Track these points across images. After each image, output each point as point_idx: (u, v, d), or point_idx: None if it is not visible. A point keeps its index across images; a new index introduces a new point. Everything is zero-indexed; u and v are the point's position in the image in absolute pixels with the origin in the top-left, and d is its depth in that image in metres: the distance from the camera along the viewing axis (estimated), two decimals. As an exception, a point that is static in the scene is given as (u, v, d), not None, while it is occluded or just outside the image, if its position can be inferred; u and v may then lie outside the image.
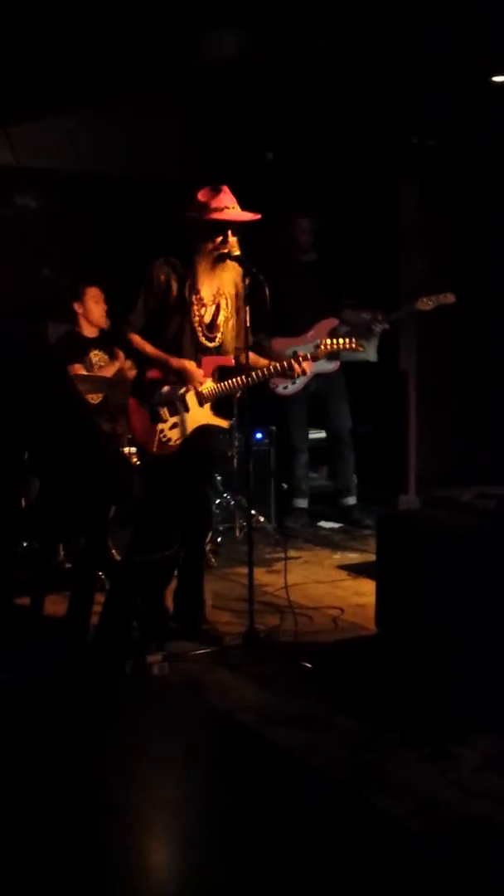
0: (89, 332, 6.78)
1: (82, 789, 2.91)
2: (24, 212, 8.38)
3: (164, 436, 4.97)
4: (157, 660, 4.61)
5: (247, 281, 4.92)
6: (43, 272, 7.96)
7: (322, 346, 5.56)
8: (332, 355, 7.38)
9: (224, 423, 5.23)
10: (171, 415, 4.99)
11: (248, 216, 4.86)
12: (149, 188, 8.24)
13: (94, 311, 6.73)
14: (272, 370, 5.05)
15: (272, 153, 8.52)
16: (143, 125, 8.27)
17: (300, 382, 7.33)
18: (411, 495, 7.90)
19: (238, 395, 5.41)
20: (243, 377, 5.00)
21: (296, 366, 5.05)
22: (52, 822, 2.75)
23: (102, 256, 7.96)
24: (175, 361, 4.95)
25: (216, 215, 4.80)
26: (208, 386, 5.04)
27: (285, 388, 7.36)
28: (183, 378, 4.97)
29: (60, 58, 6.52)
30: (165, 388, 4.99)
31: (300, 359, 5.07)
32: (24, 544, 5.46)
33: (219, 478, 6.93)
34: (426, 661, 4.53)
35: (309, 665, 4.73)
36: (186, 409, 5.01)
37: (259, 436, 7.47)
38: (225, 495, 7.15)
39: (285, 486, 7.63)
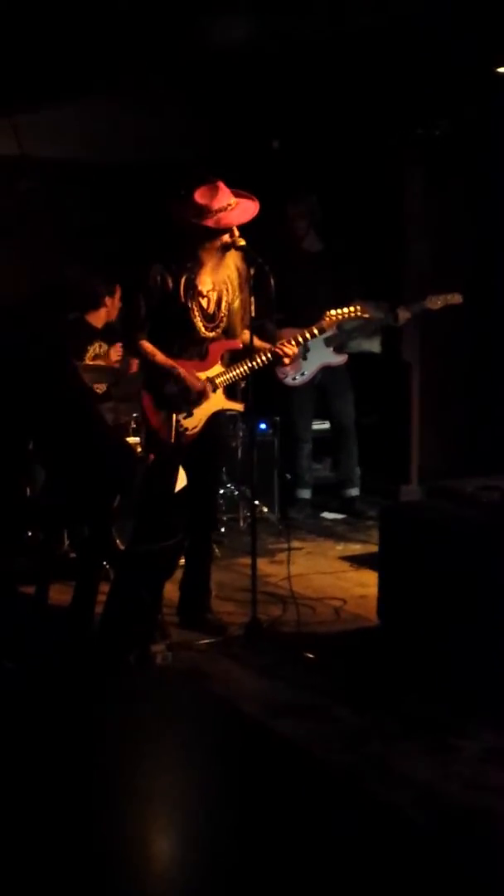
0: (98, 323, 6.78)
1: (85, 778, 2.93)
2: (28, 200, 8.36)
3: (181, 426, 5.00)
4: (161, 649, 4.62)
5: (252, 270, 4.93)
6: (49, 261, 7.95)
7: (327, 318, 5.58)
8: (339, 347, 7.40)
9: (239, 406, 5.29)
10: (185, 405, 5.02)
11: (249, 213, 4.87)
12: (151, 176, 8.23)
13: (116, 307, 6.75)
14: (272, 353, 5.09)
15: (278, 141, 8.51)
16: (149, 114, 8.26)
17: (308, 374, 7.35)
18: (414, 486, 7.91)
19: (243, 384, 5.44)
20: (250, 361, 5.06)
21: (284, 348, 5.09)
22: (54, 810, 2.76)
23: (109, 244, 7.96)
24: (182, 372, 4.97)
25: (222, 218, 4.81)
26: (217, 370, 5.07)
27: (294, 378, 7.38)
28: (187, 388, 5.00)
29: (65, 46, 6.51)
30: (174, 383, 5.01)
31: (290, 339, 5.15)
32: (29, 533, 5.48)
33: (222, 468, 6.94)
34: (428, 652, 4.54)
35: (311, 656, 4.75)
36: (198, 403, 5.04)
37: (263, 426, 7.48)
38: (229, 485, 7.16)
39: (289, 476, 7.63)
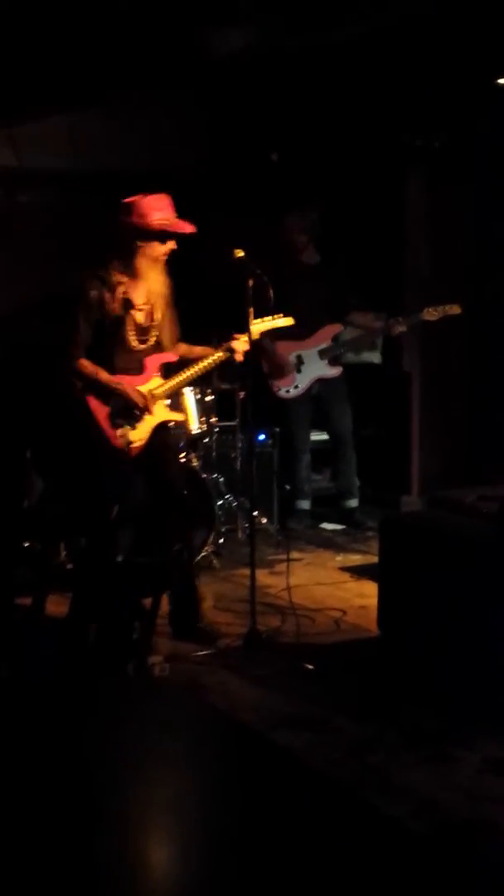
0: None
1: (82, 790, 2.90)
2: (28, 210, 8.37)
3: (126, 440, 5.06)
4: (159, 661, 4.61)
5: (251, 282, 4.96)
6: (48, 271, 7.95)
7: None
8: (334, 360, 7.39)
9: (181, 417, 5.42)
10: (129, 420, 5.10)
11: (189, 227, 4.95)
12: (150, 186, 8.24)
13: None
14: (216, 360, 5.18)
15: (276, 154, 8.51)
16: (147, 124, 8.27)
17: (302, 386, 7.34)
18: (414, 497, 7.89)
19: (242, 396, 5.47)
20: (188, 370, 5.17)
21: (234, 343, 5.16)
22: (51, 822, 2.74)
23: (107, 255, 7.96)
24: (123, 387, 5.06)
25: (163, 225, 4.93)
26: (156, 383, 5.17)
27: (287, 391, 7.36)
28: (131, 403, 5.07)
29: (62, 56, 6.52)
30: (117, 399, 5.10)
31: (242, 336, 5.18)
32: (26, 544, 5.47)
33: (221, 479, 6.93)
34: (428, 663, 4.52)
35: (310, 666, 4.73)
36: (141, 420, 5.13)
37: (262, 437, 7.46)
38: (228, 496, 7.14)
39: (288, 487, 7.61)
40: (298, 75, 7.26)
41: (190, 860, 2.67)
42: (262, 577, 5.88)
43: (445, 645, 4.47)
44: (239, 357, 5.22)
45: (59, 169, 8.20)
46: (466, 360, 8.01)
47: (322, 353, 7.31)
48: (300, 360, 7.33)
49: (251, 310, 5.06)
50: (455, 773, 3.69)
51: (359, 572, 6.34)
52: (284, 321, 5.42)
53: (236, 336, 5.19)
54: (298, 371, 7.32)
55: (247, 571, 5.12)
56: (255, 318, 5.11)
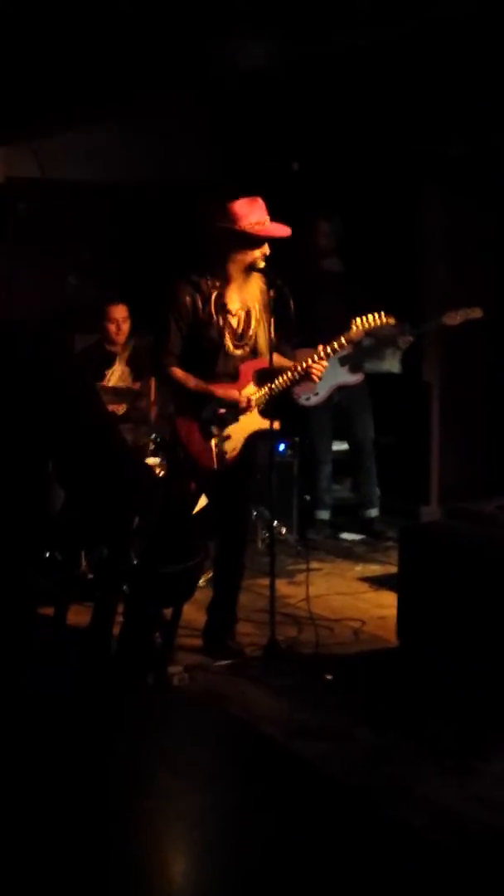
0: (112, 346, 6.83)
1: (102, 800, 2.92)
2: (48, 222, 8.42)
3: (220, 449, 5.00)
4: (178, 671, 4.63)
5: (271, 293, 4.95)
6: (68, 280, 7.99)
7: (354, 327, 5.56)
8: (355, 366, 7.39)
9: (275, 424, 5.25)
10: (222, 429, 5.02)
11: (284, 231, 4.88)
12: (173, 197, 8.29)
13: (110, 330, 6.77)
14: (302, 370, 5.08)
15: (297, 163, 8.54)
16: (168, 135, 8.32)
17: (323, 393, 7.33)
18: (434, 507, 7.89)
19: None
20: (284, 377, 5.07)
21: (311, 363, 5.09)
22: (72, 832, 2.76)
23: (127, 266, 8.02)
24: (219, 391, 4.98)
25: (257, 229, 4.83)
26: (251, 391, 5.06)
27: (308, 398, 7.36)
28: (226, 404, 5.01)
29: (84, 68, 6.57)
30: (212, 405, 5.01)
31: (317, 356, 5.13)
32: (47, 554, 5.48)
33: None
34: (447, 674, 4.52)
35: (330, 677, 4.74)
36: (236, 420, 5.04)
37: (282, 447, 7.48)
38: (247, 506, 7.15)
39: (308, 497, 7.62)
40: (317, 85, 7.30)
41: (210, 868, 2.69)
42: (282, 587, 5.89)
43: (464, 656, 4.46)
44: (316, 377, 5.18)
45: (83, 180, 8.26)
46: (486, 371, 8.00)
47: (342, 360, 7.30)
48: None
49: (273, 319, 5.03)
50: (473, 783, 3.69)
51: (378, 583, 6.35)
52: (386, 319, 5.48)
53: (316, 353, 5.16)
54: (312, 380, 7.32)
55: (266, 581, 5.13)
56: (276, 328, 5.06)
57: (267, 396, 5.08)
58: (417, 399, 8.05)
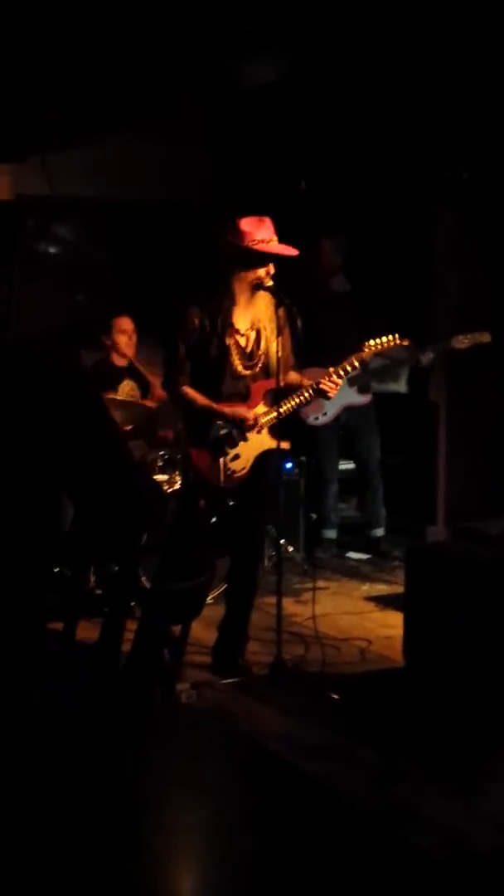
0: (120, 361, 6.86)
1: (110, 815, 2.93)
2: (57, 239, 8.46)
3: (229, 468, 5.00)
4: (186, 688, 4.63)
5: (280, 312, 4.96)
6: (76, 298, 8.03)
7: (367, 348, 5.57)
8: (363, 387, 7.40)
9: (285, 444, 5.24)
10: (231, 447, 5.03)
11: (290, 251, 4.89)
12: (181, 216, 8.32)
13: (121, 341, 6.80)
14: (316, 389, 5.09)
15: (305, 182, 8.57)
16: (176, 153, 8.36)
17: (331, 413, 7.34)
18: (440, 527, 7.88)
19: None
20: (296, 398, 5.07)
21: (325, 383, 5.09)
22: (79, 847, 2.76)
23: (135, 283, 8.05)
24: (227, 410, 5.00)
25: (262, 247, 4.84)
26: (261, 410, 5.07)
27: (316, 418, 7.37)
28: (237, 424, 5.02)
29: (93, 87, 6.61)
30: (219, 423, 5.02)
31: (332, 374, 5.13)
32: (56, 570, 5.49)
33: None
34: (454, 694, 4.52)
35: (336, 696, 4.73)
36: (244, 439, 5.05)
37: (289, 465, 7.49)
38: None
39: (314, 516, 7.63)
40: (327, 104, 7.33)
41: (217, 884, 2.69)
42: (289, 605, 5.88)
43: (471, 676, 4.46)
44: (331, 395, 5.23)
45: (90, 198, 8.29)
46: (493, 391, 8.01)
47: (351, 381, 7.31)
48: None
49: (280, 338, 5.03)
50: (481, 804, 3.69)
51: (384, 602, 6.34)
52: (400, 341, 5.54)
53: (331, 373, 5.20)
54: (326, 398, 7.34)
55: (273, 600, 5.13)
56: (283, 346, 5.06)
57: (281, 416, 5.07)
58: (424, 419, 8.06)
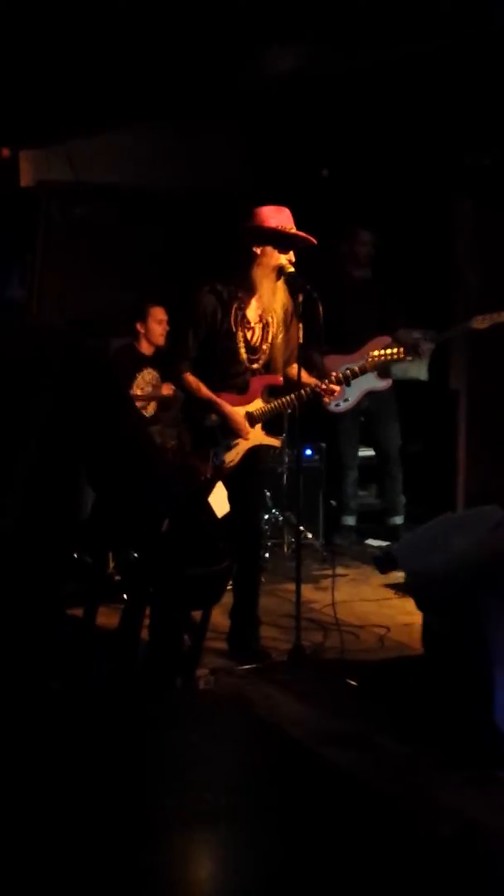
0: (147, 349, 6.88)
1: (131, 802, 2.94)
2: (79, 225, 8.47)
3: (218, 459, 5.02)
4: (204, 673, 4.65)
5: (300, 298, 4.95)
6: (101, 286, 8.04)
7: (369, 359, 5.59)
8: (383, 371, 7.39)
9: (276, 442, 5.30)
10: (224, 438, 5.04)
11: (310, 238, 4.90)
12: (203, 203, 8.31)
13: (155, 330, 6.84)
14: (313, 390, 5.08)
15: (327, 170, 8.55)
16: (198, 140, 8.36)
17: (352, 399, 7.34)
18: (459, 515, 7.87)
19: (289, 410, 5.44)
20: (292, 396, 5.05)
21: (331, 386, 5.09)
22: (98, 834, 2.78)
23: (161, 270, 8.05)
24: (226, 409, 5.02)
25: (287, 229, 4.86)
26: (258, 405, 5.09)
27: (337, 405, 7.37)
28: (229, 426, 5.04)
29: (117, 73, 6.60)
30: (215, 417, 5.04)
31: (335, 378, 5.13)
32: (76, 556, 5.51)
33: (268, 493, 6.96)
34: (472, 682, 4.51)
35: (354, 683, 4.75)
36: (235, 443, 5.07)
37: (309, 452, 7.49)
38: (274, 511, 7.17)
39: (334, 503, 7.64)
40: (347, 94, 7.30)
41: (239, 870, 2.70)
42: (307, 592, 5.89)
43: (489, 664, 4.45)
44: (328, 399, 5.24)
45: (113, 184, 8.29)
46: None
47: (371, 366, 7.32)
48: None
49: (300, 324, 5.03)
50: (500, 794, 3.69)
51: (403, 589, 6.33)
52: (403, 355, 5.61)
53: (333, 376, 5.18)
54: (348, 385, 7.34)
55: (292, 586, 5.14)
56: (305, 334, 5.06)
57: (274, 413, 5.16)
58: (444, 407, 8.04)
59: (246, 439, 5.07)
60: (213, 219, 7.56)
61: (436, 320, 7.56)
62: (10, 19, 5.84)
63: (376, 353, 5.60)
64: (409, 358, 5.90)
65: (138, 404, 6.10)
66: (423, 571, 4.46)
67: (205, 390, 5.00)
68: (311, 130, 7.96)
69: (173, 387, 6.57)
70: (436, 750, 4.04)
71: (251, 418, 5.08)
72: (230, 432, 5.05)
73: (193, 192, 8.42)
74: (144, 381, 6.77)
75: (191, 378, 5.01)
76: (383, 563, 4.75)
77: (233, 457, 5.06)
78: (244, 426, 5.04)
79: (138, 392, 6.67)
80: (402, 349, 5.64)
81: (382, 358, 5.61)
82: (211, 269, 5.13)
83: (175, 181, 8.40)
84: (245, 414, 5.07)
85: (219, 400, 5.01)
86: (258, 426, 5.12)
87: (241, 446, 5.09)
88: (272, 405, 5.10)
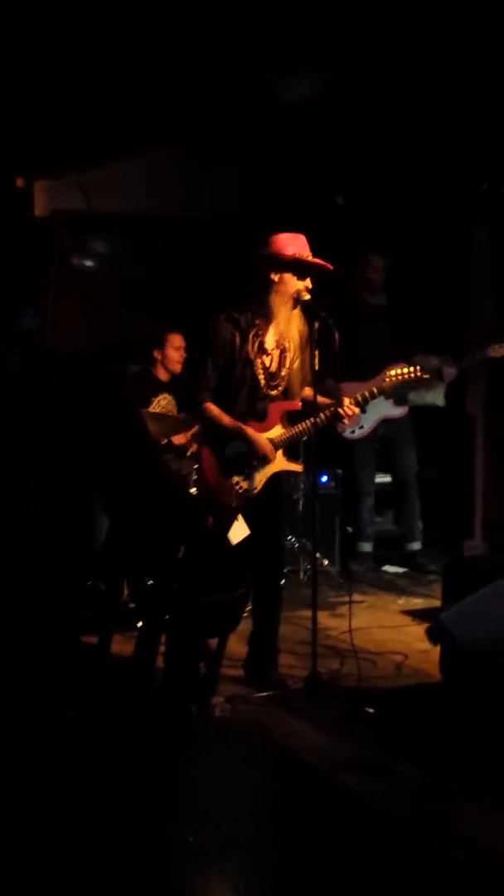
0: (163, 375, 6.90)
1: (146, 829, 2.92)
2: (93, 253, 8.51)
3: (240, 487, 5.01)
4: (220, 701, 4.62)
5: (316, 325, 4.94)
6: (116, 314, 8.07)
7: (387, 379, 5.57)
8: (399, 398, 7.38)
9: (298, 468, 5.29)
10: (247, 466, 5.03)
11: (326, 264, 4.90)
12: (218, 231, 8.34)
13: (172, 357, 6.87)
14: (332, 412, 5.07)
15: (342, 197, 8.58)
16: (213, 168, 8.40)
17: (367, 427, 7.33)
18: (477, 540, 7.85)
19: (304, 437, 5.42)
20: (311, 420, 5.03)
21: (345, 409, 5.07)
22: (115, 860, 2.76)
23: (177, 298, 8.08)
24: (252, 435, 5.00)
25: (304, 257, 4.86)
26: (277, 431, 5.08)
27: (352, 431, 7.36)
28: (254, 451, 5.02)
29: (130, 102, 6.65)
30: (239, 444, 5.03)
31: (353, 401, 5.11)
32: (90, 583, 5.49)
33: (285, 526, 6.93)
34: (490, 710, 4.48)
35: (372, 710, 4.71)
36: (261, 468, 5.05)
37: (325, 479, 7.48)
38: (290, 538, 7.15)
39: (350, 529, 7.61)
40: (362, 121, 7.33)
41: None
42: (324, 619, 5.87)
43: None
44: (346, 421, 5.24)
45: (127, 213, 8.34)
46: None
47: (387, 394, 7.30)
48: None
49: (316, 352, 5.02)
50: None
51: (421, 616, 6.31)
52: (420, 374, 5.56)
53: (350, 398, 5.16)
54: (363, 412, 7.33)
55: (308, 613, 5.11)
56: (320, 361, 5.06)
57: (296, 439, 5.13)
58: (461, 432, 8.03)
59: (270, 462, 5.05)
60: (227, 246, 7.60)
61: (450, 346, 7.55)
62: (24, 51, 5.90)
63: (393, 373, 5.57)
64: (427, 377, 5.86)
65: (151, 429, 6.09)
66: (475, 639, 4.43)
67: (227, 418, 4.99)
68: (326, 157, 7.99)
69: (187, 435, 6.55)
70: (452, 778, 4.00)
71: (273, 445, 5.07)
72: (254, 459, 5.03)
73: (206, 220, 8.45)
74: (160, 406, 6.78)
75: (212, 407, 5.00)
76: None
77: (255, 484, 5.05)
78: (271, 450, 5.03)
79: (153, 410, 6.66)
80: (418, 368, 5.61)
81: (400, 378, 5.58)
82: (225, 297, 5.13)
83: (188, 209, 8.43)
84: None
85: (244, 426, 4.99)
86: (280, 453, 5.11)
87: (265, 472, 5.08)
88: (292, 431, 5.09)
